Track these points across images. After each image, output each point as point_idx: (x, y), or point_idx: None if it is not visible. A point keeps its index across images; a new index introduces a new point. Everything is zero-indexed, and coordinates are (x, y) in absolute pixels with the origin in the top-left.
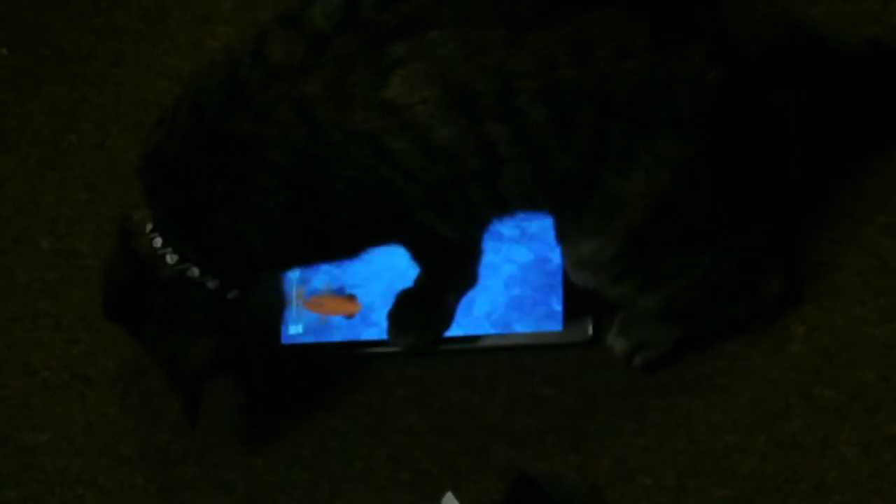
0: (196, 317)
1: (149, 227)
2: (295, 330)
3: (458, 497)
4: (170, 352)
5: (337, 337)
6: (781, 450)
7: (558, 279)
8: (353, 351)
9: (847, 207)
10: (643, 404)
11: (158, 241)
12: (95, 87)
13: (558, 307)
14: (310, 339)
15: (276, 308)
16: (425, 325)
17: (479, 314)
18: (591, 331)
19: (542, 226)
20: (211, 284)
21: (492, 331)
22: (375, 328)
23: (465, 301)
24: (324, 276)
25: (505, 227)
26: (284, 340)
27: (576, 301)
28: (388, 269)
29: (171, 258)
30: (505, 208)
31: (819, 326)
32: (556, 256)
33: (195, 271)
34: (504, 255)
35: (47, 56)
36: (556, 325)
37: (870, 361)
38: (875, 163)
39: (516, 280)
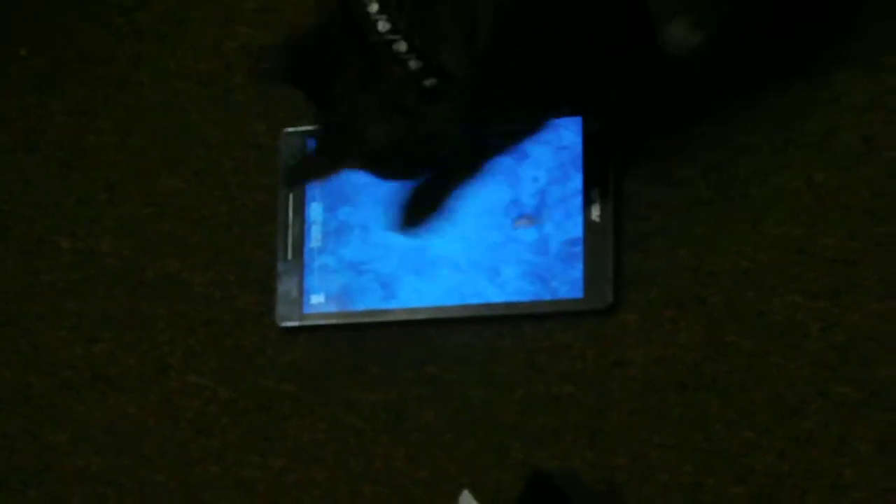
0: (387, 94)
1: None
2: (317, 300)
3: (475, 495)
4: (348, 121)
5: (360, 306)
6: (798, 447)
7: (578, 247)
8: (377, 319)
9: (865, 203)
10: (660, 402)
11: (375, 7)
12: (116, 88)
13: (578, 274)
14: (332, 308)
15: (450, 141)
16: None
17: (498, 282)
18: (611, 297)
19: (562, 193)
20: (413, 65)
21: (511, 299)
22: (396, 297)
23: (484, 268)
24: (345, 245)
25: (526, 195)
26: (306, 310)
27: (596, 268)
28: (408, 239)
29: (382, 25)
30: None
31: (836, 323)
32: (575, 224)
33: (402, 46)
34: (524, 224)
35: (68, 56)
36: (576, 293)
37: (887, 358)
38: (895, 158)
39: (536, 248)
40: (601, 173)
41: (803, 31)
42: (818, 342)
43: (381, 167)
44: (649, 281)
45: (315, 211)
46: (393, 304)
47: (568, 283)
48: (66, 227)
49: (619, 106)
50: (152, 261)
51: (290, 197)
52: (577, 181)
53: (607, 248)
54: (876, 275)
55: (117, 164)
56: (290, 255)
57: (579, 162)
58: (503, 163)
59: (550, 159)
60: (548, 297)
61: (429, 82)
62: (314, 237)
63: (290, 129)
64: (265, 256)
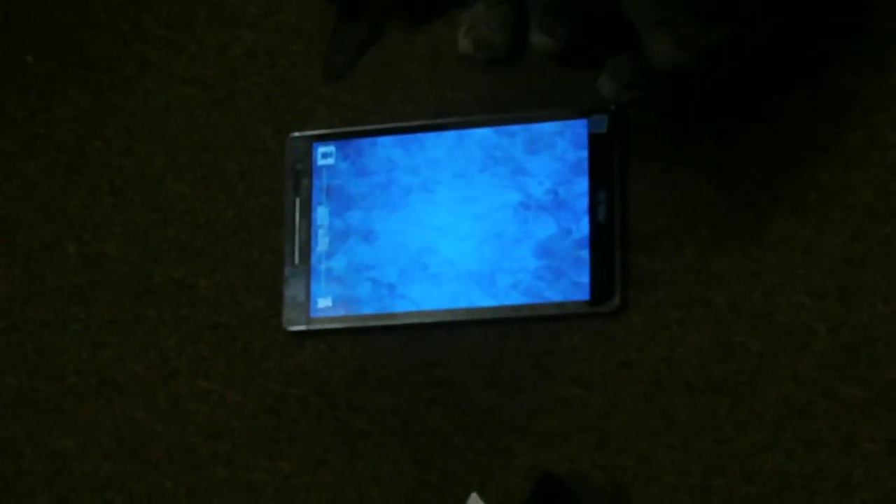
0: None
1: None
2: (324, 303)
3: (483, 497)
4: None
5: (367, 309)
6: (806, 447)
7: (585, 249)
8: (384, 322)
9: (870, 203)
10: (668, 403)
11: None
12: (121, 93)
13: (585, 278)
14: (339, 311)
15: None
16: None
17: (505, 285)
18: (618, 300)
19: (568, 195)
20: None
21: (518, 301)
22: (404, 300)
23: (491, 271)
24: (352, 249)
25: (532, 198)
26: (314, 314)
27: (603, 271)
28: (415, 242)
29: None
30: None
31: (843, 324)
32: (582, 226)
33: None
34: (531, 226)
35: (73, 62)
36: (583, 295)
37: (894, 359)
38: None
39: (542, 250)
40: (607, 175)
41: (808, 31)
42: (825, 342)
43: (415, 10)
44: (656, 282)
45: (322, 215)
46: (400, 308)
47: (575, 286)
48: (72, 233)
49: (617, 106)
50: (159, 266)
51: (297, 201)
52: (583, 183)
53: (614, 250)
54: (882, 275)
55: (123, 169)
56: (297, 260)
57: (585, 164)
58: (510, 165)
59: (557, 162)
60: (555, 300)
61: None
62: (321, 241)
63: (297, 134)
64: (272, 261)
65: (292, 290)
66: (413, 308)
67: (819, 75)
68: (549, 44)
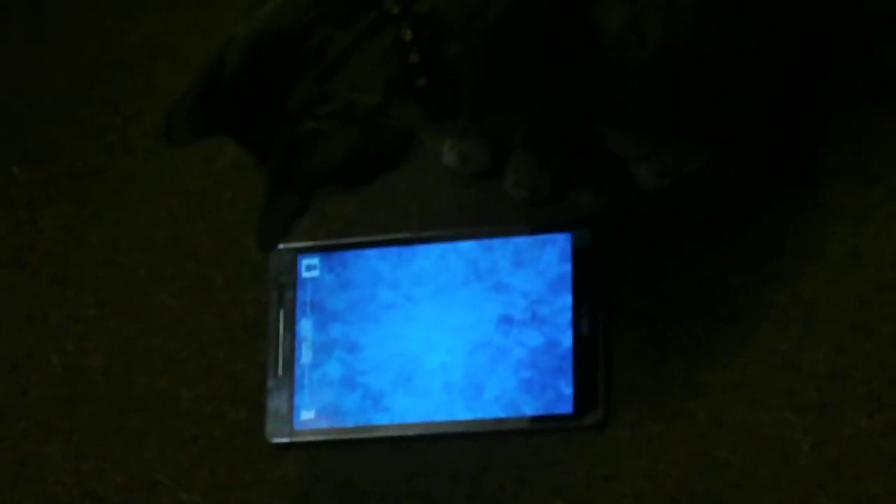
0: (347, 101)
1: None
2: (307, 416)
3: None
4: (300, 144)
5: (350, 422)
6: None
7: (568, 362)
8: (367, 435)
9: (853, 316)
10: None
11: None
12: (107, 205)
13: (568, 390)
14: (322, 424)
15: (411, 145)
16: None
17: (488, 397)
18: (602, 413)
19: (552, 308)
20: (413, 59)
21: (501, 414)
22: (387, 413)
23: (474, 384)
24: (335, 361)
25: (516, 310)
26: (297, 426)
27: (586, 384)
28: (398, 355)
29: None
30: None
31: (826, 439)
32: (566, 339)
33: (408, 35)
34: (514, 339)
35: (59, 173)
36: (566, 408)
37: (878, 474)
38: (882, 272)
39: (526, 363)
40: (591, 288)
41: (789, 147)
42: (808, 458)
43: (344, 180)
44: (639, 395)
45: (305, 327)
46: (383, 420)
47: (558, 399)
48: (55, 343)
49: (601, 219)
50: (142, 376)
51: (282, 313)
52: (567, 297)
53: (597, 363)
54: (865, 389)
55: (107, 279)
56: (280, 372)
57: (569, 278)
58: (494, 278)
59: (541, 275)
60: (538, 413)
61: (420, 82)
62: (305, 354)
63: (282, 246)
64: (256, 372)
65: (275, 402)
66: (396, 420)
67: (802, 186)
68: (529, 196)
